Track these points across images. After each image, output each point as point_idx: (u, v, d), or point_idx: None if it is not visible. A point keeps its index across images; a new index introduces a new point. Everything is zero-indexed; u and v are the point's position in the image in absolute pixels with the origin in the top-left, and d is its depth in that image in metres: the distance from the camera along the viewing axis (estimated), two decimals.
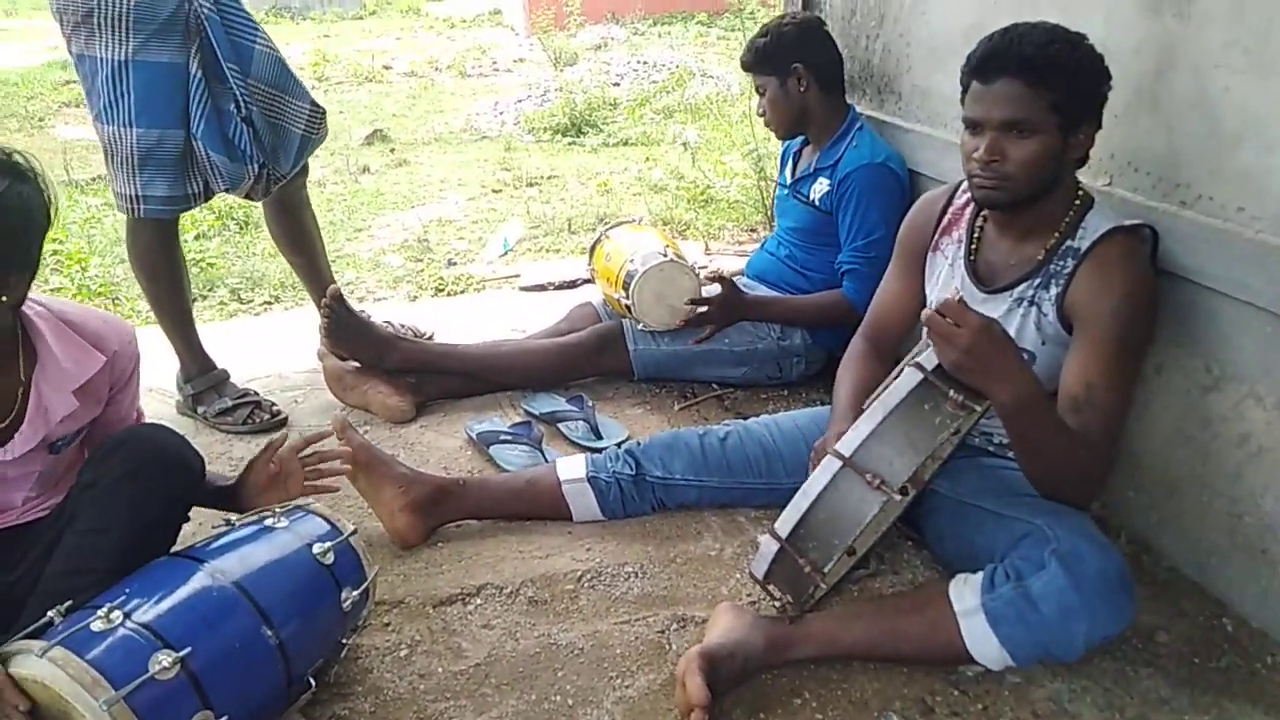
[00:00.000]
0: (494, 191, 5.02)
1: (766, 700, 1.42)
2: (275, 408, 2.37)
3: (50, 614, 1.20)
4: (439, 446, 2.21)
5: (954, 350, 1.31)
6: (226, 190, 2.22)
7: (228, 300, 3.45)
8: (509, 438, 2.16)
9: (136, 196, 2.14)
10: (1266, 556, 1.52)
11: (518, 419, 2.29)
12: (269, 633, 1.28)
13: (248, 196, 2.31)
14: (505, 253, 3.90)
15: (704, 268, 3.30)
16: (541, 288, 3.39)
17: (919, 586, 1.65)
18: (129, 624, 1.19)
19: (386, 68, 9.39)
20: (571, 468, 1.88)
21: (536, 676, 1.49)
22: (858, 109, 2.44)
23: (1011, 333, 1.50)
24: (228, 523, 1.46)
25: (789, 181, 2.51)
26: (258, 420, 2.32)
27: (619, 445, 1.94)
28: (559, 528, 1.86)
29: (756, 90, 2.42)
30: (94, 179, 5.03)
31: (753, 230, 4.02)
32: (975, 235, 1.68)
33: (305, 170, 2.43)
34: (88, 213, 4.43)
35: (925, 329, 1.35)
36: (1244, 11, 1.44)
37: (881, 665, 1.47)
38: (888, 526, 1.56)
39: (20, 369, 1.41)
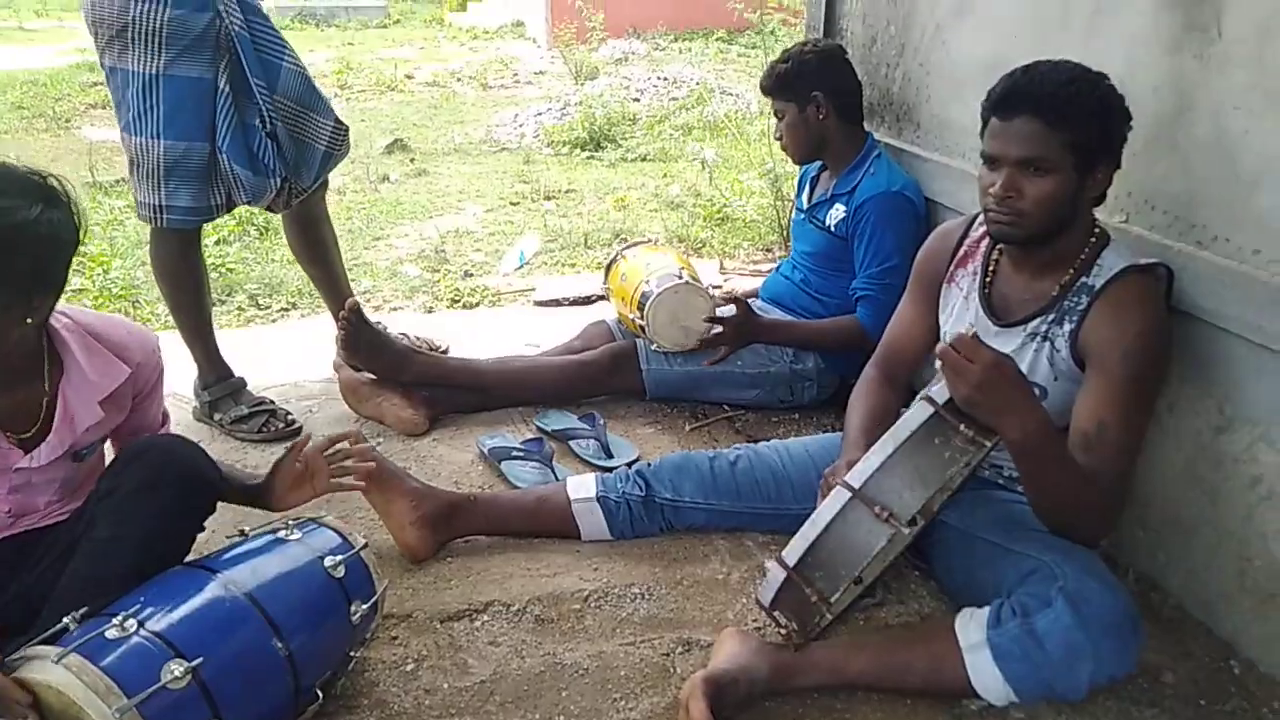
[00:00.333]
0: (512, 204, 5.05)
1: None
2: (290, 416, 2.39)
3: (66, 620, 1.22)
4: (451, 460, 2.23)
5: (965, 385, 1.32)
6: (248, 202, 2.25)
7: (245, 306, 3.48)
8: (520, 454, 2.17)
9: (160, 206, 2.18)
10: (1276, 601, 1.51)
11: (529, 435, 2.31)
12: (279, 644, 1.30)
13: (269, 208, 2.36)
14: (520, 266, 3.92)
15: (718, 287, 3.32)
16: (556, 303, 3.41)
17: (925, 619, 1.65)
18: (142, 632, 1.21)
19: (409, 77, 9.46)
20: (581, 487, 1.89)
21: (541, 695, 1.50)
22: (876, 136, 2.45)
23: (1024, 367, 1.50)
24: (241, 533, 1.48)
25: (806, 206, 2.52)
26: (272, 429, 2.34)
27: (629, 465, 1.95)
28: (567, 546, 1.87)
29: (775, 114, 2.44)
30: (118, 181, 5.07)
31: (768, 250, 4.04)
32: (990, 268, 1.68)
33: (325, 185, 2.47)
34: (110, 215, 4.47)
35: (938, 362, 1.36)
36: (1265, 54, 1.45)
37: (885, 696, 1.47)
38: (895, 557, 1.56)
39: (46, 380, 1.44)
